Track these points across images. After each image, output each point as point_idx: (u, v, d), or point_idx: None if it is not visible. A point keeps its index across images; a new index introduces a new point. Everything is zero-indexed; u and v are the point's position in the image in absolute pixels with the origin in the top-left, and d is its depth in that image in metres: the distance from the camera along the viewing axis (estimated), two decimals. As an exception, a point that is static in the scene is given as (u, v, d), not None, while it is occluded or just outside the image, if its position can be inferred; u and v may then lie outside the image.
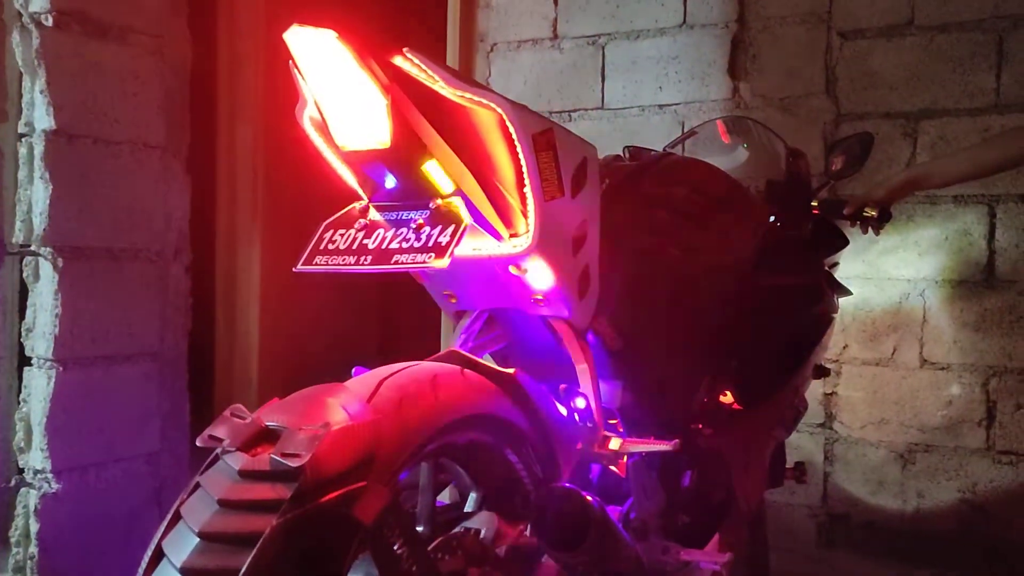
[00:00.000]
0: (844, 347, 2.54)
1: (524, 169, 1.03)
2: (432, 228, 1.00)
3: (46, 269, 1.85)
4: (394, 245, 1.01)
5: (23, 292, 1.92)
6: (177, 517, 0.82)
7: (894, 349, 2.51)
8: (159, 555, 0.81)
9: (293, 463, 0.79)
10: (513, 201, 1.07)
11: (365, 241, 1.04)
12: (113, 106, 1.94)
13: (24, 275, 1.88)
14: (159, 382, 2.02)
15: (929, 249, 2.47)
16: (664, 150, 2.10)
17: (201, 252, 2.20)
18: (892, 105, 2.49)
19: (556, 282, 1.14)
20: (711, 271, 1.57)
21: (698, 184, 1.67)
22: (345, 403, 0.90)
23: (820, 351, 1.97)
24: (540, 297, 1.17)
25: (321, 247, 1.06)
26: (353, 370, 1.12)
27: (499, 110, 0.99)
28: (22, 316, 1.90)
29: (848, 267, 2.37)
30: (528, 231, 1.07)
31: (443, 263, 0.96)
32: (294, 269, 1.07)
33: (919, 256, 2.48)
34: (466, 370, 1.07)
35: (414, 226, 1.02)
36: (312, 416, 0.87)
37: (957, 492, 2.40)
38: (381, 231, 1.04)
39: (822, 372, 2.03)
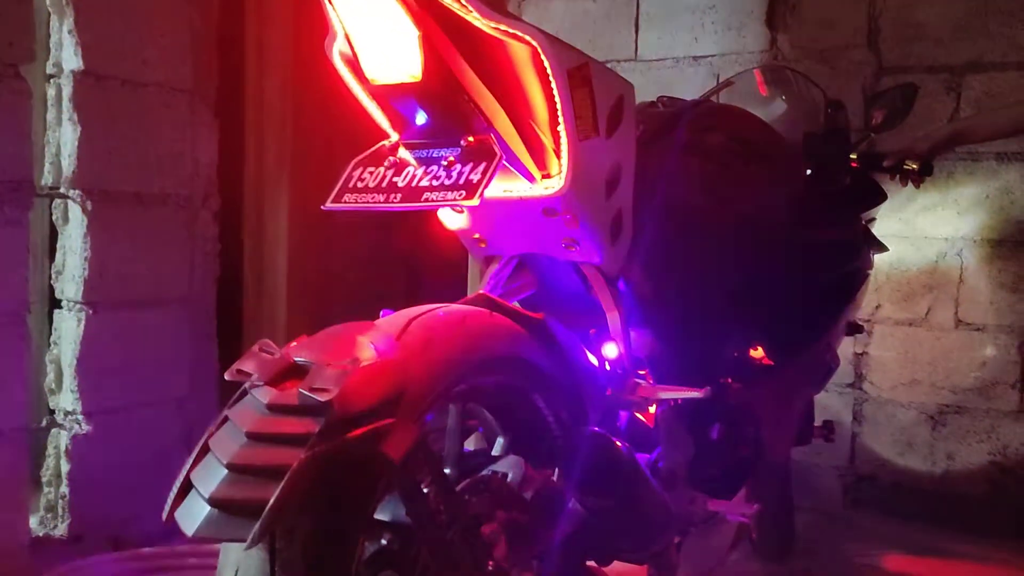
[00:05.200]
0: (877, 307, 2.49)
1: (558, 106, 1.00)
2: (463, 166, 0.98)
3: (75, 212, 1.85)
4: (424, 183, 0.99)
5: (52, 235, 1.92)
6: (205, 449, 0.82)
7: (928, 309, 2.46)
8: (187, 486, 0.81)
9: (321, 398, 0.78)
10: (547, 140, 1.04)
11: (395, 179, 1.01)
12: (141, 47, 1.92)
13: (53, 218, 1.89)
14: (188, 327, 2.02)
15: (969, 207, 2.41)
16: (700, 99, 2.05)
17: (229, 198, 2.20)
18: (936, 58, 2.40)
19: (588, 226, 1.11)
20: (744, 222, 1.53)
21: (734, 132, 1.63)
22: (374, 340, 0.89)
23: (854, 308, 1.93)
24: (571, 241, 1.14)
25: (350, 185, 1.04)
26: (381, 312, 1.10)
27: (534, 42, 0.96)
28: (51, 259, 1.90)
29: (884, 225, 2.32)
30: (561, 172, 1.05)
31: (474, 201, 0.94)
32: (323, 207, 1.05)
33: (958, 214, 2.42)
34: (495, 313, 1.06)
35: (445, 164, 0.99)
36: (340, 352, 0.86)
37: (988, 455, 2.37)
38: (411, 169, 1.01)
39: (855, 329, 1.99)
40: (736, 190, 1.54)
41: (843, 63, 2.51)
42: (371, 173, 1.04)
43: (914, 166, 1.83)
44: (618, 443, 1.04)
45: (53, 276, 1.90)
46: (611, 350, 1.16)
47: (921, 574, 2.15)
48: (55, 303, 1.91)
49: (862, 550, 2.23)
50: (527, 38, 0.96)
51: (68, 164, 1.84)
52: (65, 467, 1.83)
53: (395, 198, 1.00)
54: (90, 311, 1.85)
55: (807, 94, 1.99)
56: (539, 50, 0.96)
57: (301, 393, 0.80)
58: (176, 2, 1.98)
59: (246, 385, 0.85)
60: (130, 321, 1.92)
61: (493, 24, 0.95)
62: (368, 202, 1.02)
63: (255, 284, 3.34)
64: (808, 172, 1.80)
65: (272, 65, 3.22)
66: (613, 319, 1.17)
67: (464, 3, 0.94)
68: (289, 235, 3.25)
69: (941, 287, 2.44)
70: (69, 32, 1.82)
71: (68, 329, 1.86)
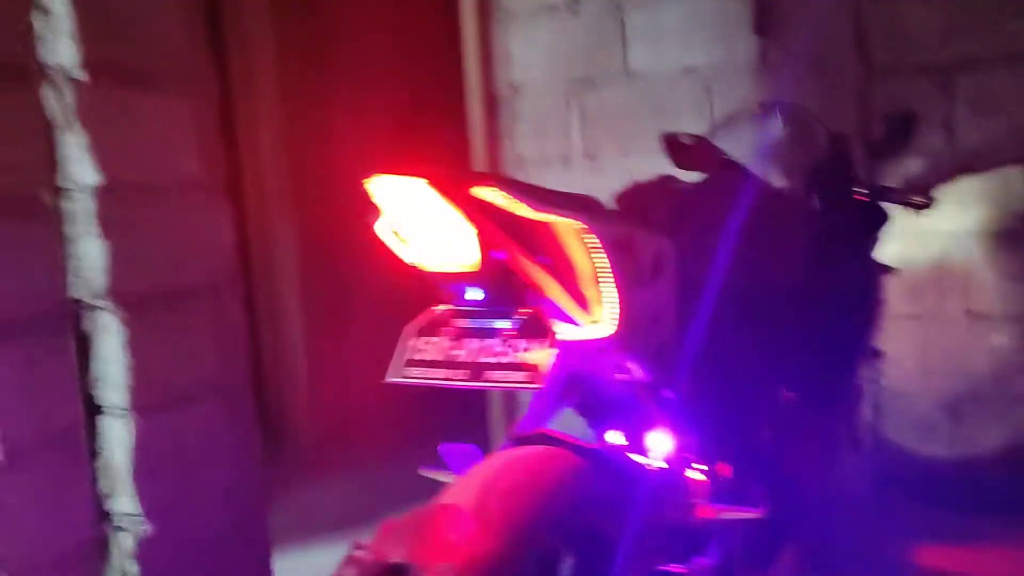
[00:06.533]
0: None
1: (605, 268, 1.05)
2: (521, 340, 1.03)
3: (111, 323, 1.89)
4: (484, 359, 1.04)
5: (80, 343, 1.95)
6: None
7: (937, 302, 2.53)
8: None
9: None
10: (591, 294, 1.09)
11: (453, 352, 1.07)
12: (152, 150, 1.94)
13: (87, 329, 1.92)
14: (227, 417, 2.08)
15: (970, 201, 2.47)
16: (703, 137, 2.08)
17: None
18: (927, 59, 2.43)
19: (635, 359, 1.17)
20: (767, 287, 1.59)
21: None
22: (461, 526, 0.95)
23: (875, 335, 2.00)
24: (619, 369, 1.20)
25: (410, 357, 1.09)
26: (439, 448, 1.17)
27: (582, 224, 1.01)
28: (80, 364, 1.94)
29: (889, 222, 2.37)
30: (607, 319, 1.10)
31: (538, 385, 1.00)
32: (385, 380, 1.10)
33: (960, 209, 2.47)
34: (557, 456, 1.12)
35: (503, 337, 1.04)
36: (433, 547, 0.92)
37: (1005, 440, 2.46)
38: (469, 341, 1.06)
39: (875, 355, 2.06)
40: (753, 257, 1.59)
41: (833, 70, 2.53)
42: (428, 343, 1.09)
43: (919, 199, 1.88)
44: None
45: (93, 384, 1.94)
46: (668, 467, 1.22)
47: (951, 557, 2.25)
48: (92, 409, 1.95)
49: (890, 539, 2.33)
50: (575, 222, 1.01)
51: (97, 277, 1.87)
52: (132, 569, 1.90)
53: (458, 375, 1.05)
54: (138, 416, 1.90)
55: (809, 126, 2.03)
56: (586, 229, 1.01)
57: (410, 608, 0.86)
58: (178, 98, 2.00)
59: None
60: (175, 418, 1.97)
61: (544, 215, 1.00)
62: (431, 377, 1.07)
63: (273, 363, 3.41)
64: (815, 210, 1.85)
65: (264, 154, 3.29)
66: (666, 436, 1.23)
67: (516, 201, 0.98)
68: (304, 314, 3.33)
69: (949, 280, 2.51)
70: (82, 148, 1.83)
71: (117, 435, 1.91)
